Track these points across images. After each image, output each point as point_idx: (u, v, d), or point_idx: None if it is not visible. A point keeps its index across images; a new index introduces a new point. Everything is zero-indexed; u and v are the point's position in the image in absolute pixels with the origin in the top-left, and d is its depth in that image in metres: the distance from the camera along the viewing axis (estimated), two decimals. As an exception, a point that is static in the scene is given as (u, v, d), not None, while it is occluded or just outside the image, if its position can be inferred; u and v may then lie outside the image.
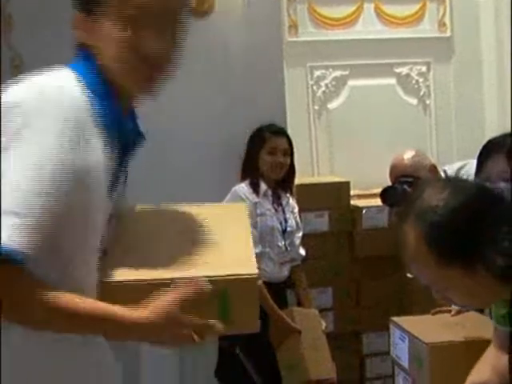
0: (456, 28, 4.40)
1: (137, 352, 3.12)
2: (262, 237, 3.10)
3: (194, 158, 3.44)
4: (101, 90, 1.30)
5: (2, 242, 1.08)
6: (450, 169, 3.02)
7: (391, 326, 2.08)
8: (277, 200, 3.20)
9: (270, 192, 3.16)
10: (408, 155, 3.13)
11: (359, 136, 4.18)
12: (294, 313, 3.11)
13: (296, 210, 3.31)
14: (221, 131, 3.47)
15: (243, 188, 3.12)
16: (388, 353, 3.03)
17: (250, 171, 3.17)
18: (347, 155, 4.16)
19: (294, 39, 4.14)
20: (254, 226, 3.08)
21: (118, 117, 1.34)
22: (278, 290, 3.17)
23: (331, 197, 3.63)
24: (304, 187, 3.64)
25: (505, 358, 1.60)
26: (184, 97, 3.42)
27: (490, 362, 1.68)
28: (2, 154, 1.14)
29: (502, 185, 1.71)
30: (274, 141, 3.19)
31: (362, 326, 3.68)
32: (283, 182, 3.23)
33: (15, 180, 1.13)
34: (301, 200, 3.49)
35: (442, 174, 3.04)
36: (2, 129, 1.16)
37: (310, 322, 3.16)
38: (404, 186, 2.95)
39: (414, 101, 4.37)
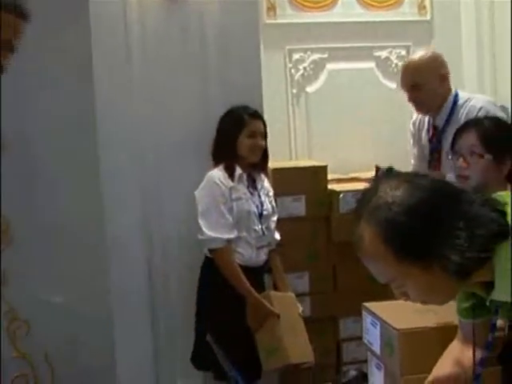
0: (436, 11, 4.37)
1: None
2: (238, 221, 3.09)
3: (169, 141, 3.40)
4: None
5: None
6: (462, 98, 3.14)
7: (363, 312, 2.06)
8: (252, 183, 3.18)
9: (244, 176, 3.14)
10: (421, 58, 3.20)
11: (337, 120, 4.16)
12: (271, 297, 3.10)
13: (271, 193, 3.29)
14: (197, 114, 3.43)
15: (217, 173, 3.09)
16: (364, 337, 3.03)
17: (226, 155, 3.13)
18: (325, 139, 4.13)
19: (272, 21, 4.09)
20: (230, 211, 3.06)
21: None
22: (256, 274, 3.16)
23: (308, 181, 3.60)
24: (281, 171, 3.62)
25: (468, 351, 1.60)
26: (160, 80, 3.39)
27: (453, 355, 1.68)
28: None
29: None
30: (254, 124, 3.16)
31: (338, 311, 3.67)
32: (258, 165, 3.20)
33: None
34: (277, 184, 3.47)
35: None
36: None
37: (288, 305, 3.15)
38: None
39: (393, 84, 4.33)
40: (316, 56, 4.19)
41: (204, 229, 3.04)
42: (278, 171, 3.60)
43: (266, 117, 3.35)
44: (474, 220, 1.29)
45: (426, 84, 3.16)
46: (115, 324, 3.09)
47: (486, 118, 2.55)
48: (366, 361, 2.10)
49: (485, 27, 4.29)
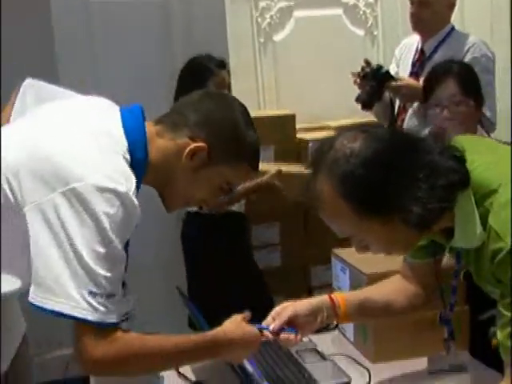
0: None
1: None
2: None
3: (135, 94, 3.33)
4: None
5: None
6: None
7: (333, 258, 2.06)
8: None
9: None
10: None
11: (305, 68, 4.11)
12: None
13: None
14: (162, 67, 3.37)
15: None
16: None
17: None
18: (293, 88, 4.09)
19: (237, -31, 4.01)
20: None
21: None
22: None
23: (277, 130, 3.57)
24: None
25: (411, 287, 1.66)
26: (123, 32, 3.31)
27: (395, 284, 1.72)
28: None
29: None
30: (221, 74, 3.11)
31: (309, 260, 3.69)
32: None
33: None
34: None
35: None
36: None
37: None
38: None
39: (361, 32, 4.30)
40: (282, 3, 4.12)
41: None
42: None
43: (232, 67, 3.31)
44: (434, 170, 1.28)
45: (436, 4, 3.16)
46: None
47: (455, 63, 2.50)
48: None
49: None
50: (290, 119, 3.64)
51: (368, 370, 1.77)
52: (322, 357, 1.85)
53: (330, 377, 1.72)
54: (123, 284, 1.37)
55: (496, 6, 4.26)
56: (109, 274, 1.26)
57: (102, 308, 1.25)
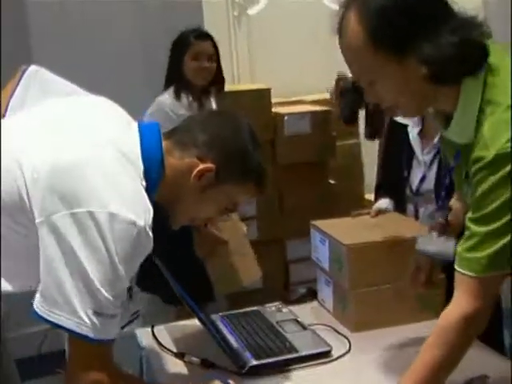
0: None
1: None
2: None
3: (116, 73, 3.31)
4: None
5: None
6: None
7: (312, 230, 2.08)
8: (201, 109, 3.13)
9: (195, 104, 3.07)
10: None
11: (280, 42, 4.11)
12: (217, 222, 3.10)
13: None
14: (137, 42, 3.35)
15: (167, 100, 3.02)
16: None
17: (174, 78, 3.06)
18: (268, 62, 4.09)
19: None
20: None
21: None
22: None
23: (252, 104, 3.56)
24: (224, 95, 3.56)
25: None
26: (102, 13, 3.27)
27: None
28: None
29: None
30: (199, 45, 3.09)
31: (285, 233, 3.71)
32: (207, 89, 3.15)
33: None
34: (221, 108, 3.41)
35: None
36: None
37: (232, 228, 3.16)
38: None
39: (336, 6, 4.28)
40: (257, -23, 4.11)
41: None
42: (222, 95, 3.56)
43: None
44: (460, 28, 1.28)
45: None
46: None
47: None
48: (314, 280, 2.14)
49: None
50: (266, 93, 3.64)
51: (348, 339, 1.80)
52: (303, 327, 1.87)
53: (310, 346, 1.74)
54: (130, 288, 1.39)
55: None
56: (114, 299, 1.28)
57: (101, 326, 1.28)
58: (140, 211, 1.29)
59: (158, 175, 1.41)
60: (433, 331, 1.38)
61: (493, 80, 1.32)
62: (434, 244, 1.68)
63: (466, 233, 1.33)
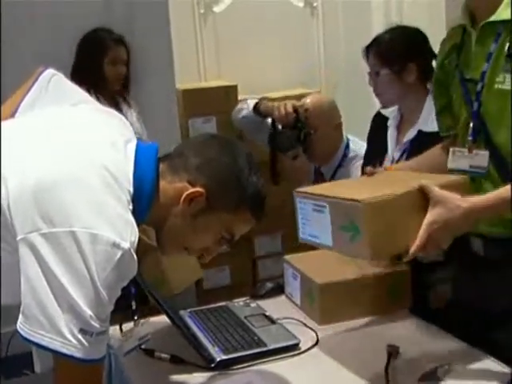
0: None
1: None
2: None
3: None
4: None
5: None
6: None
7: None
8: (120, 113, 3.09)
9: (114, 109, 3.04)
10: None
11: (246, 39, 4.11)
12: (145, 229, 3.01)
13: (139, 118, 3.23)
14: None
15: None
16: (280, 254, 3.08)
17: (87, 81, 2.76)
18: (234, 59, 4.09)
19: None
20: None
21: None
22: None
23: (219, 101, 3.57)
24: (191, 92, 3.58)
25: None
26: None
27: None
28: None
29: None
30: (117, 50, 3.09)
31: (252, 230, 3.69)
32: (120, 94, 3.16)
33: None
34: (188, 106, 3.43)
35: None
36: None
37: None
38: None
39: (301, 3, 4.32)
40: (223, -26, 4.10)
41: None
42: (188, 92, 3.57)
43: (173, 38, 3.28)
44: None
45: None
46: None
47: (391, 29, 2.48)
48: (281, 276, 2.15)
49: None
50: (233, 90, 3.64)
51: (315, 332, 1.82)
52: (271, 321, 1.88)
53: (279, 339, 1.75)
54: None
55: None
56: (100, 316, 1.21)
57: (89, 345, 1.21)
58: (124, 233, 1.23)
59: (149, 198, 1.36)
60: None
61: None
62: (465, 161, 1.67)
63: None
